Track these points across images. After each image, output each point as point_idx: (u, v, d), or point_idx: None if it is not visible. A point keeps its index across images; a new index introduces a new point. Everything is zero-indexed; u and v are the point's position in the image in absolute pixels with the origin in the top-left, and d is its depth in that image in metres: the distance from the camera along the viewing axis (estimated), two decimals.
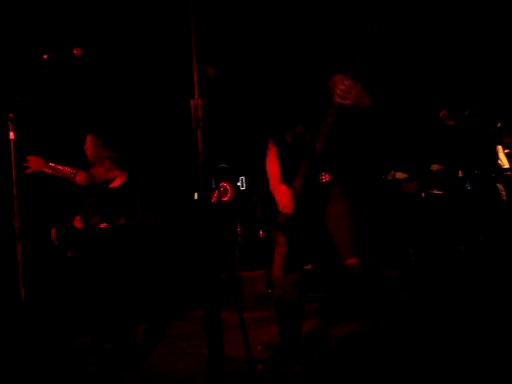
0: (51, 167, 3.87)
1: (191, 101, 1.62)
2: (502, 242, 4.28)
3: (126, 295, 3.61)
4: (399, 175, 5.25)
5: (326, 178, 2.95)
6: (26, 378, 2.80)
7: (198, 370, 2.94)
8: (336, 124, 2.87)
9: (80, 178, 3.86)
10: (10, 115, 2.79)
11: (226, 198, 6.30)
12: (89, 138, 3.96)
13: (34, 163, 3.83)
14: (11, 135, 2.78)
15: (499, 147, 4.70)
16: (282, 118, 3.15)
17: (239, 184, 6.60)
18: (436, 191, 4.87)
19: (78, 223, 3.75)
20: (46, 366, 3.11)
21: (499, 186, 4.52)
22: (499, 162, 4.65)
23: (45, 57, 2.84)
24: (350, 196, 3.00)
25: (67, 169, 3.87)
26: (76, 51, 2.90)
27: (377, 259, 4.77)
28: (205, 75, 1.96)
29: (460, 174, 4.74)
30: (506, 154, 4.61)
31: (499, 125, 4.68)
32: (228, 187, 6.33)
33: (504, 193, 4.47)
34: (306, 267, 5.22)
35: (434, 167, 5.03)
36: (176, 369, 3.17)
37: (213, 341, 1.72)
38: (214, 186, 6.22)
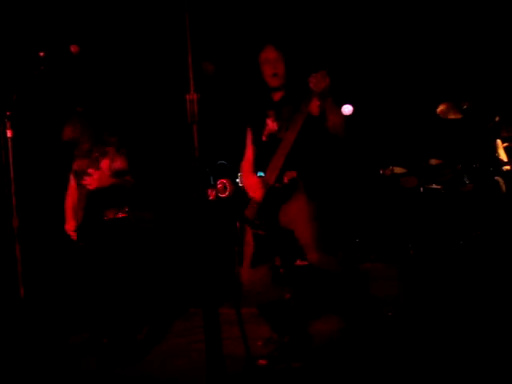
0: None
1: (187, 96, 1.62)
2: (502, 236, 4.28)
3: (127, 292, 3.61)
4: (398, 170, 5.25)
5: (291, 174, 3.00)
6: (24, 375, 2.81)
7: (199, 366, 2.94)
8: (303, 123, 2.97)
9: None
10: (8, 113, 2.79)
11: (225, 195, 6.29)
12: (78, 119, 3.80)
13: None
14: (9, 133, 2.77)
15: (498, 141, 4.70)
16: (257, 115, 3.21)
17: (238, 181, 6.59)
18: (435, 186, 4.87)
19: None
20: (45, 363, 3.11)
21: (498, 178, 4.52)
22: (498, 156, 4.65)
23: (41, 54, 2.83)
24: (318, 192, 3.07)
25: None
26: (73, 48, 2.90)
27: (375, 254, 4.77)
28: (202, 70, 1.97)
29: (459, 167, 4.74)
30: (504, 148, 4.61)
31: (497, 119, 4.67)
32: (227, 184, 6.32)
33: (503, 185, 4.47)
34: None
35: (433, 162, 5.02)
36: (176, 365, 3.18)
37: (211, 337, 1.72)
38: (212, 183, 6.21)
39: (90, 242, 3.63)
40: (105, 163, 3.61)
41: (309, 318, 3.53)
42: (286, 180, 2.99)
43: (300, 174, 3.02)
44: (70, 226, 3.72)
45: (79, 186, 3.75)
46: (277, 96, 3.21)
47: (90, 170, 3.59)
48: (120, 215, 3.61)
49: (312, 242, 3.01)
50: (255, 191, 3.07)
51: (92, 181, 3.58)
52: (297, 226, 3.04)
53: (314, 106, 2.95)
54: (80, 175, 3.74)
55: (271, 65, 3.13)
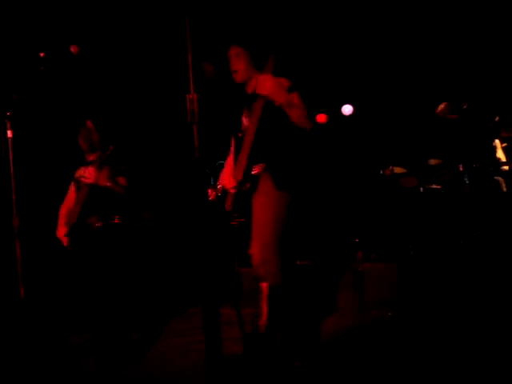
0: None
1: (187, 96, 1.62)
2: (502, 236, 4.28)
3: (126, 292, 3.62)
4: (397, 170, 5.25)
5: (258, 168, 2.99)
6: (25, 375, 2.81)
7: (198, 366, 2.95)
8: (263, 117, 2.91)
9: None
10: (8, 113, 2.79)
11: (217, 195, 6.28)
12: (88, 126, 3.87)
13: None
14: (9, 133, 2.78)
15: (497, 141, 4.70)
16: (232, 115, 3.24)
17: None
18: (434, 186, 4.87)
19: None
20: (45, 363, 3.11)
21: (499, 178, 4.52)
22: (497, 156, 4.65)
23: (41, 54, 2.84)
24: (285, 189, 2.98)
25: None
26: (73, 48, 2.90)
27: (375, 254, 4.78)
28: (201, 71, 1.97)
29: (460, 168, 4.74)
30: (503, 148, 4.61)
31: (497, 119, 4.66)
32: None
33: (504, 184, 4.47)
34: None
35: (432, 162, 5.02)
36: (176, 365, 3.18)
37: (211, 337, 1.72)
38: (212, 183, 6.21)
39: (80, 247, 3.71)
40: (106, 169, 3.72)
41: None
42: (252, 173, 2.98)
43: (267, 167, 2.99)
44: (60, 233, 3.83)
45: (77, 192, 3.82)
46: (248, 91, 3.14)
47: (91, 168, 3.66)
48: (100, 224, 3.69)
49: (258, 236, 2.97)
50: (228, 184, 3.13)
51: (89, 175, 3.66)
52: (253, 217, 3.01)
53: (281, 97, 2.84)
54: (78, 183, 3.82)
55: (231, 62, 3.09)
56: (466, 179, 4.65)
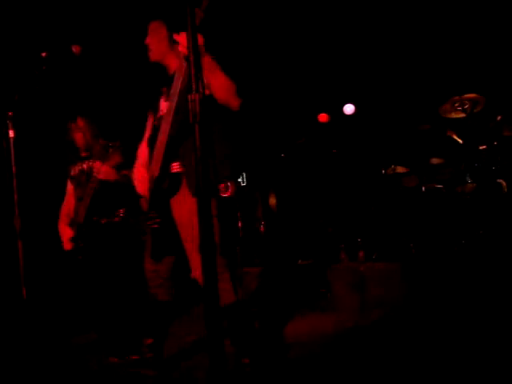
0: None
1: (188, 96, 1.62)
2: (503, 236, 4.28)
3: (127, 291, 3.62)
4: (399, 169, 5.25)
5: (176, 167, 2.65)
6: (28, 375, 2.81)
7: (201, 364, 2.95)
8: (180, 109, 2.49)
9: None
10: (10, 113, 2.80)
11: (227, 195, 6.29)
12: (81, 122, 3.73)
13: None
14: (11, 133, 2.78)
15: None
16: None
17: (240, 180, 6.60)
18: (436, 185, 4.87)
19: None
20: (47, 363, 3.12)
21: (501, 180, 4.52)
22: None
23: (43, 54, 2.84)
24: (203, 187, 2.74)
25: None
26: (75, 48, 2.90)
27: (378, 253, 4.77)
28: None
29: (461, 167, 4.74)
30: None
31: (499, 118, 4.66)
32: (229, 183, 6.32)
33: (505, 185, 4.47)
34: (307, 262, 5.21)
35: (434, 161, 5.02)
36: (176, 364, 3.18)
37: (212, 335, 1.72)
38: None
39: (91, 243, 3.64)
40: (113, 158, 3.61)
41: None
42: (172, 171, 2.63)
43: (183, 165, 2.61)
44: (66, 236, 3.69)
45: (77, 190, 3.76)
46: (170, 71, 2.77)
47: (98, 163, 3.60)
48: (115, 219, 3.64)
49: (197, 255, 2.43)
50: (139, 184, 2.78)
51: (100, 171, 3.58)
52: (181, 224, 2.67)
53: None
54: (76, 180, 3.77)
55: (147, 38, 2.76)
56: (468, 179, 4.65)
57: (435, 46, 5.48)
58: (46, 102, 4.49)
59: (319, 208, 6.07)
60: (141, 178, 2.80)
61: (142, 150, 2.91)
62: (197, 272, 2.59)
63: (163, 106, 2.71)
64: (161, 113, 2.72)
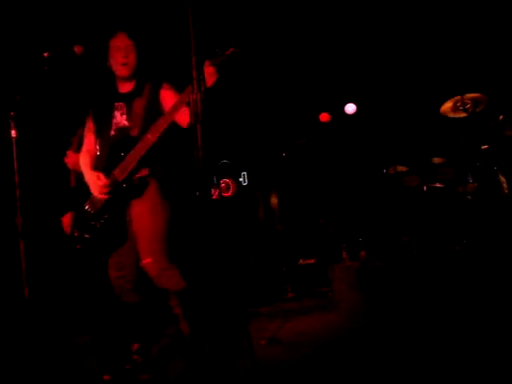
0: None
1: (190, 96, 1.63)
2: (504, 235, 4.28)
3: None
4: (401, 169, 5.25)
5: (143, 172, 2.86)
6: (28, 374, 2.82)
7: (197, 367, 2.95)
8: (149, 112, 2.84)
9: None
10: (12, 113, 2.80)
11: (228, 194, 6.31)
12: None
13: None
14: (13, 133, 2.78)
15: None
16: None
17: (241, 180, 6.61)
18: (438, 184, 4.87)
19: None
20: (47, 363, 3.12)
21: (501, 178, 4.51)
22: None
23: (45, 54, 2.84)
24: (168, 193, 2.91)
25: None
26: (77, 49, 2.90)
27: (380, 252, 4.78)
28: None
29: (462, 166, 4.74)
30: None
31: (501, 118, 4.65)
32: (230, 183, 6.34)
33: (505, 185, 4.46)
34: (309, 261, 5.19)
35: (436, 160, 5.02)
36: (175, 365, 3.18)
37: (210, 336, 1.73)
38: (215, 182, 6.23)
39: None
40: None
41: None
42: (135, 177, 2.83)
43: (153, 173, 2.87)
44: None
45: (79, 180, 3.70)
46: (125, 87, 3.01)
47: None
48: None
49: (148, 244, 2.83)
50: (96, 189, 2.87)
51: None
52: (137, 225, 2.87)
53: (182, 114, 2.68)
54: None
55: (122, 53, 2.95)
56: (469, 178, 4.65)
57: (437, 46, 5.48)
58: (49, 102, 4.50)
59: (320, 207, 6.09)
60: (95, 182, 2.89)
61: (88, 152, 3.06)
62: (146, 260, 2.83)
63: (120, 119, 2.95)
64: (118, 125, 2.94)
